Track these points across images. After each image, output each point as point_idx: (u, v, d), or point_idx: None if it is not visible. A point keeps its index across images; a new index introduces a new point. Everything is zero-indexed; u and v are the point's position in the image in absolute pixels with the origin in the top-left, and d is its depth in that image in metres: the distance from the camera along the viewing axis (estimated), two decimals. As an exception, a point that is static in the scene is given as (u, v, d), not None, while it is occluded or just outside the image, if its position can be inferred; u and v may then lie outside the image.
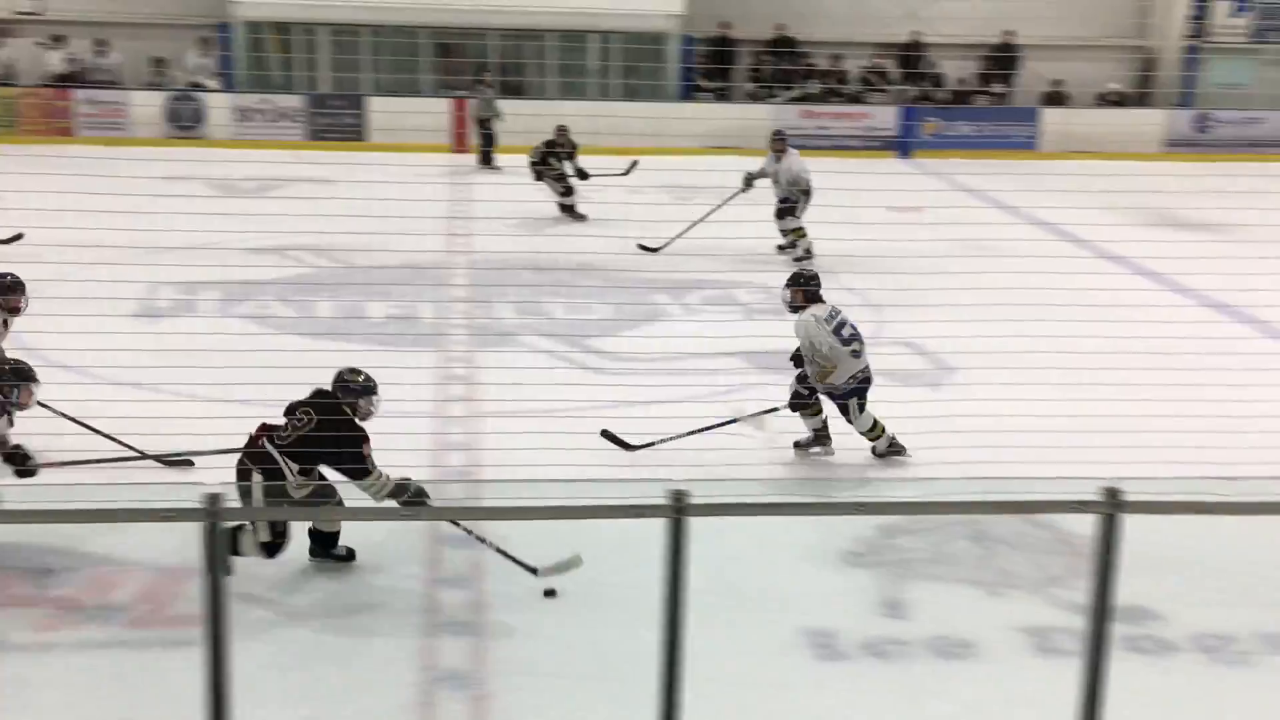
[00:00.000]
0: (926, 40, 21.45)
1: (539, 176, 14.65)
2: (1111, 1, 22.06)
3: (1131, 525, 3.59)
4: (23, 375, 6.80)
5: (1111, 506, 3.41)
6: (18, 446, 6.92)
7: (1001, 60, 21.49)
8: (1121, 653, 5.70)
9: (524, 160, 14.76)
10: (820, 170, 13.09)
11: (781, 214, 13.04)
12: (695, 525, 3.37)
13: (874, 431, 7.81)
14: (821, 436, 7.98)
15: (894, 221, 12.77)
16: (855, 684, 5.54)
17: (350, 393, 6.22)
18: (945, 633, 5.93)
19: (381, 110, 19.80)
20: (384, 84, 20.39)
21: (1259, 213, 11.17)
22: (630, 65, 20.64)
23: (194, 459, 7.43)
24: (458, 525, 6.15)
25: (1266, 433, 7.36)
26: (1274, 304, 10.35)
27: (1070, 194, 15.24)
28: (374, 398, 6.24)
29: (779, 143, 13.20)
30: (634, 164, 14.32)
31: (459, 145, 19.59)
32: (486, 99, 18.73)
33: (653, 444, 7.70)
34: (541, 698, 5.44)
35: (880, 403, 7.83)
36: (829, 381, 7.68)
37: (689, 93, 21.00)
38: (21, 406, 6.77)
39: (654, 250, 12.90)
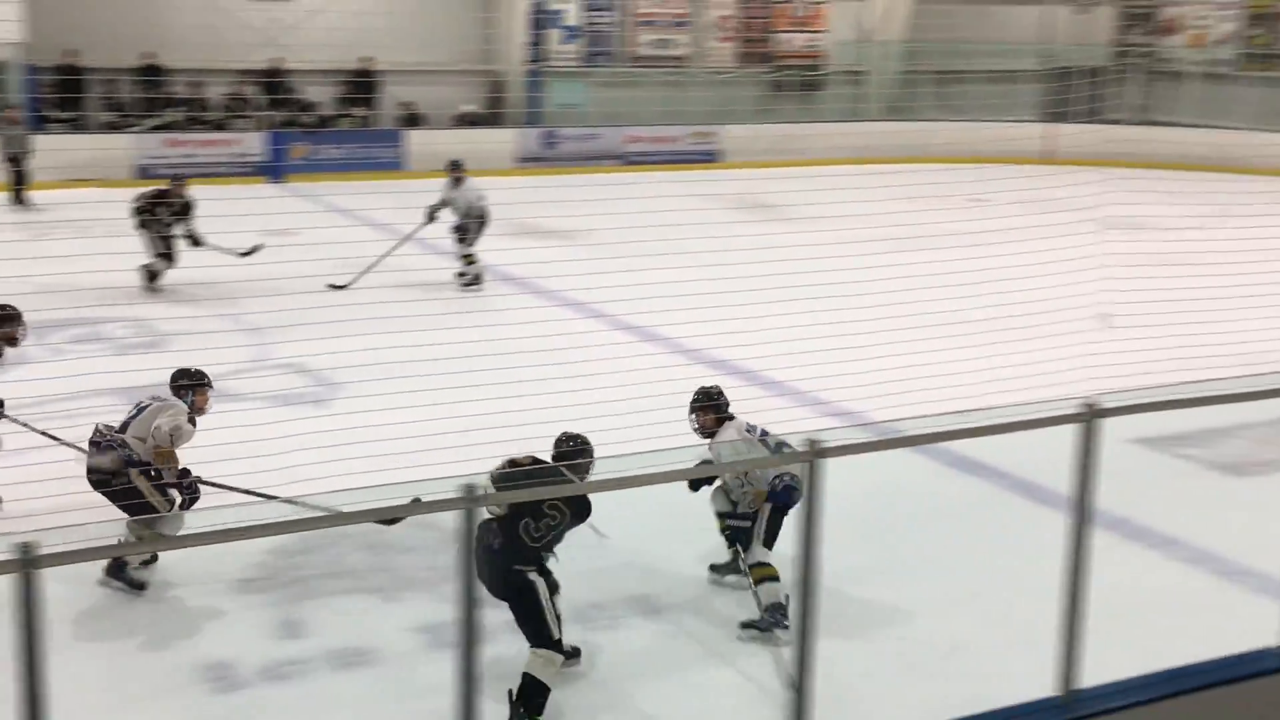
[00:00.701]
0: (288, 66, 21.49)
1: (141, 225, 12.69)
2: (460, 28, 23.10)
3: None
4: (198, 380, 6.66)
5: (468, 502, 3.58)
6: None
7: (361, 85, 22.00)
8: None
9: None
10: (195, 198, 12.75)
11: (461, 239, 13.10)
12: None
13: (766, 569, 6.21)
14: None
15: (269, 245, 12.70)
16: (257, 711, 5.53)
17: (575, 464, 5.48)
18: (343, 644, 6.05)
19: None
20: None
21: (601, 218, 12.24)
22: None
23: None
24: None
25: (622, 415, 8.12)
26: (620, 299, 11.39)
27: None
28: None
29: (457, 169, 13.34)
30: (257, 247, 12.56)
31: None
32: (15, 134, 17.09)
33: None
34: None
35: (263, 424, 7.81)
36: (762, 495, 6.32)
37: (39, 124, 19.61)
38: (199, 411, 6.58)
39: (341, 288, 12.39)
